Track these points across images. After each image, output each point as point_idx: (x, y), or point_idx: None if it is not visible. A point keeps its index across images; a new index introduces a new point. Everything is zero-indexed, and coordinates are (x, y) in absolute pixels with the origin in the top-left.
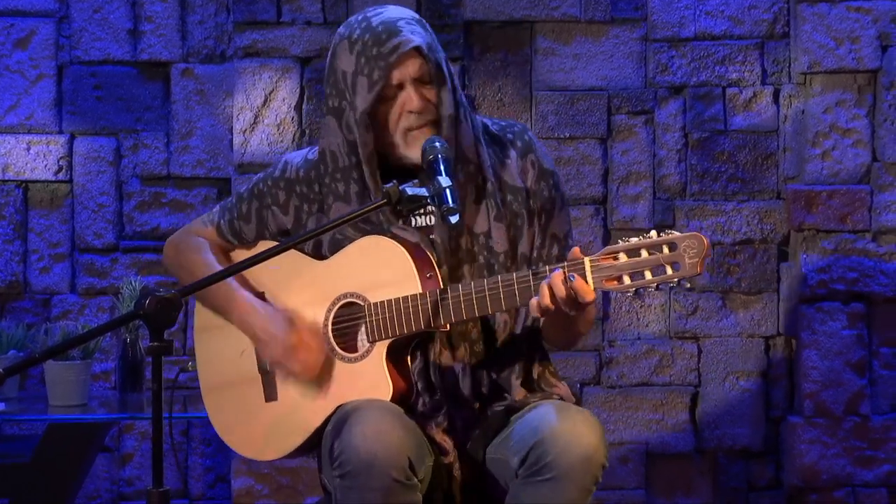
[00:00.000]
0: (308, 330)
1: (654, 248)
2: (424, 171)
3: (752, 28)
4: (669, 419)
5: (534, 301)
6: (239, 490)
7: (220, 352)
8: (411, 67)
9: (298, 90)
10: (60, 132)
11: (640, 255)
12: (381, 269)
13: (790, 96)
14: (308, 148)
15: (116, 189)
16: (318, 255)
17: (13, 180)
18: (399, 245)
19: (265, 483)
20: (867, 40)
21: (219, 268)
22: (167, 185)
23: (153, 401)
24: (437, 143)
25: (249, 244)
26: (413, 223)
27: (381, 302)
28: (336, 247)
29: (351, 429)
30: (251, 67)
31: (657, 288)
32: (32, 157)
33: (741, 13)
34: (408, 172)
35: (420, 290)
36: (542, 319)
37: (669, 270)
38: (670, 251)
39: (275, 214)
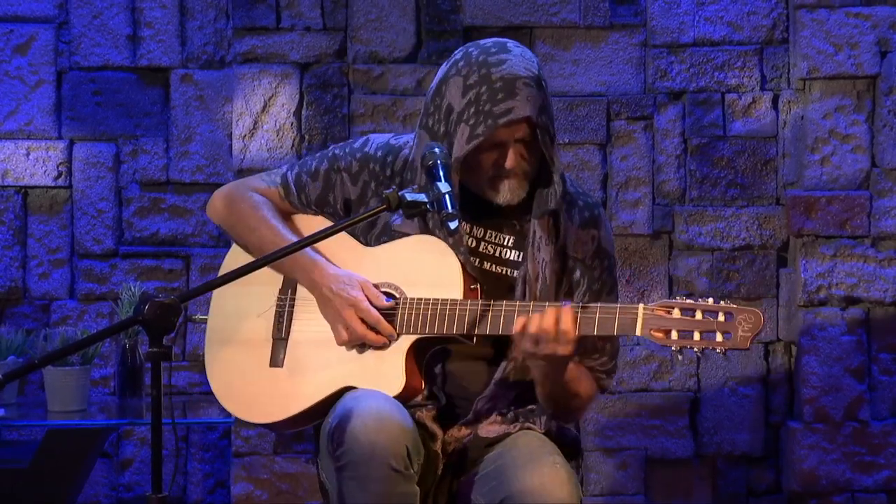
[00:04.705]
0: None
1: (710, 312)
2: (425, 177)
3: (751, 34)
4: (669, 425)
5: (519, 319)
6: (238, 496)
7: (237, 309)
8: (517, 132)
9: (298, 96)
10: (60, 138)
11: (693, 316)
12: (427, 268)
13: (789, 102)
14: (392, 134)
15: (116, 195)
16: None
17: (12, 186)
18: (452, 251)
19: (264, 489)
20: (866, 46)
21: (282, 230)
22: (166, 191)
23: (152, 406)
24: (437, 150)
25: (307, 209)
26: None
27: (417, 298)
28: (380, 238)
29: (352, 419)
30: (250, 73)
31: (701, 352)
32: (32, 162)
33: (740, 19)
34: (489, 207)
35: (461, 297)
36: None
37: (719, 338)
38: (725, 320)
39: (343, 181)
